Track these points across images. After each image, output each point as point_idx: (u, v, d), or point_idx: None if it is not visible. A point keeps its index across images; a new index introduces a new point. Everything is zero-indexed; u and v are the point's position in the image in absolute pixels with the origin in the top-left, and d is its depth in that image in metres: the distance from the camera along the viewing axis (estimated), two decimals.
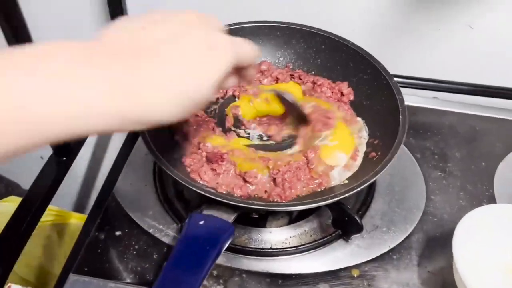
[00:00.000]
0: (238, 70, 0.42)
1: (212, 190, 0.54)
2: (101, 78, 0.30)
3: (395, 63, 0.66)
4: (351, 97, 0.68)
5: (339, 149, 0.61)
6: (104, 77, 0.30)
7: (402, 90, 0.62)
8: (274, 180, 0.56)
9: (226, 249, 0.55)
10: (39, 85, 0.28)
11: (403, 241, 0.60)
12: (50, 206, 0.88)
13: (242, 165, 0.56)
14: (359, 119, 0.66)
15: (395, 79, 0.63)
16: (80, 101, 0.29)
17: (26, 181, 1.20)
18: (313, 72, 0.72)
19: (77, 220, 0.99)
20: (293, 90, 0.68)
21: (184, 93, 0.33)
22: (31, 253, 0.94)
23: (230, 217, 0.51)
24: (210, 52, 0.35)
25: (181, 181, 0.51)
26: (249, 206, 0.50)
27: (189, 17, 0.37)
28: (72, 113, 0.29)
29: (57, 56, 0.29)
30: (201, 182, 0.56)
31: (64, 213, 0.97)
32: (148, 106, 0.32)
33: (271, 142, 0.63)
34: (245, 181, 0.56)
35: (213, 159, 0.57)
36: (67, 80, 0.29)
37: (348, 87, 0.68)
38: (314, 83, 0.70)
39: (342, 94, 0.68)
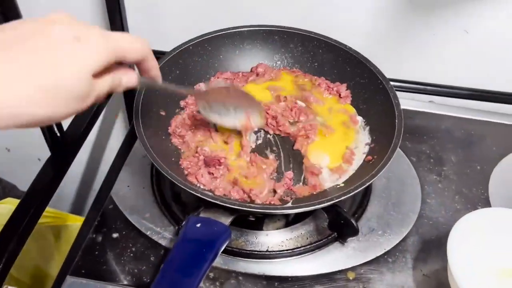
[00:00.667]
0: (137, 67, 0.42)
1: (209, 193, 0.54)
2: None
3: (392, 67, 0.67)
4: (349, 100, 0.68)
5: (324, 150, 0.62)
6: None
7: (399, 94, 0.63)
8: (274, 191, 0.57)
9: (223, 252, 0.56)
10: None
11: (398, 244, 0.61)
12: (47, 208, 0.88)
13: (244, 181, 0.57)
14: (359, 118, 0.67)
15: (392, 83, 0.64)
16: None
17: (23, 183, 1.19)
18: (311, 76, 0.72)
19: (74, 222, 0.99)
20: (284, 84, 0.70)
21: (47, 85, 0.32)
22: (28, 255, 0.94)
23: (227, 220, 0.51)
24: (77, 44, 0.34)
25: (178, 184, 0.51)
26: (246, 209, 0.50)
27: (59, 15, 0.36)
28: None
29: None
30: (198, 184, 0.56)
31: (61, 215, 0.97)
32: (14, 98, 0.31)
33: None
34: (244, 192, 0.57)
35: (211, 163, 0.57)
36: None
37: (346, 89, 0.69)
38: (312, 82, 0.70)
39: (340, 96, 0.68)
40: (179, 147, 0.62)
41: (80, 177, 1.18)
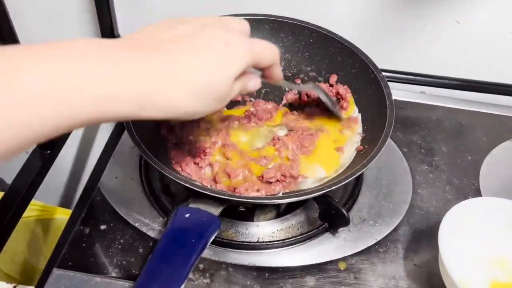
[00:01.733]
0: (263, 71, 0.45)
1: (198, 183, 0.53)
2: (125, 66, 0.32)
3: (383, 57, 0.66)
4: (349, 97, 0.66)
5: (320, 163, 0.60)
6: (126, 65, 0.32)
7: (390, 84, 0.62)
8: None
9: (213, 243, 0.55)
10: (70, 68, 0.30)
11: (389, 234, 0.60)
12: (34, 201, 0.87)
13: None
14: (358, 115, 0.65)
15: (383, 73, 0.63)
16: (103, 84, 0.31)
17: (10, 176, 1.18)
18: (302, 66, 0.71)
19: (62, 215, 0.98)
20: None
21: (201, 85, 0.36)
22: (16, 248, 0.93)
23: (216, 210, 0.50)
24: (226, 48, 0.37)
25: (167, 175, 0.50)
26: (236, 199, 0.50)
27: (209, 19, 0.40)
28: (96, 95, 0.31)
29: (82, 45, 0.32)
30: (183, 174, 0.55)
31: (49, 208, 0.95)
32: (165, 95, 0.34)
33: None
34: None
35: (196, 153, 0.57)
36: (92, 64, 0.31)
37: (343, 86, 0.67)
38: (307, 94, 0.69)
39: (340, 97, 0.67)
40: (167, 137, 0.61)
41: (69, 170, 1.16)
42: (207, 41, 0.37)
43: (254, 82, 0.44)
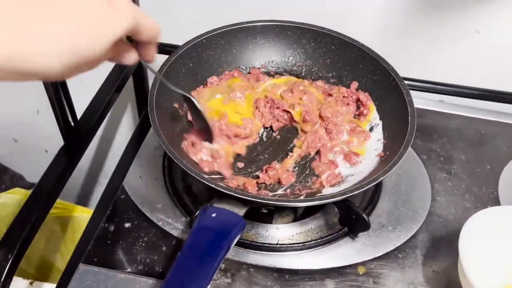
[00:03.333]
0: (139, 47, 0.42)
1: (223, 185, 0.54)
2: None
3: (403, 65, 0.67)
4: (369, 104, 0.67)
5: None
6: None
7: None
8: None
9: (234, 244, 0.56)
10: None
11: (408, 240, 0.61)
12: None
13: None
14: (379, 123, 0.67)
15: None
16: None
17: (30, 174, 1.20)
18: (324, 72, 0.72)
19: (80, 214, 0.99)
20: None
21: (80, 45, 0.33)
22: (33, 245, 0.94)
23: (240, 211, 0.51)
24: (109, 8, 0.35)
25: (195, 176, 0.51)
26: (260, 200, 0.51)
27: None
28: None
29: None
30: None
31: (68, 206, 0.97)
32: (37, 51, 0.31)
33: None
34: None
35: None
36: None
37: (364, 93, 0.68)
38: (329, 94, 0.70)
39: (361, 103, 0.68)
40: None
41: (87, 170, 1.18)
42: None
43: (129, 56, 0.41)
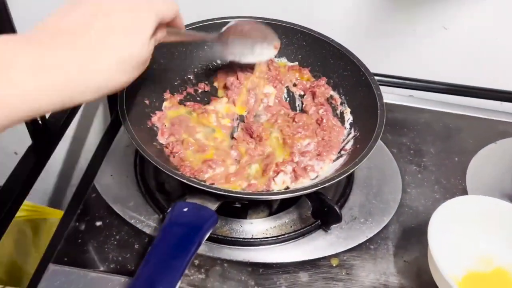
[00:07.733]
0: (168, 24, 0.47)
1: (196, 180, 0.54)
2: (48, 58, 0.34)
3: (372, 62, 0.68)
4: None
5: None
6: (48, 57, 0.35)
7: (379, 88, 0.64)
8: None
9: (208, 239, 0.56)
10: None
11: (380, 231, 0.62)
12: (25, 202, 0.86)
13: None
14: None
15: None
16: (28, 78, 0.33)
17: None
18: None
19: (52, 216, 0.97)
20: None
21: (124, 57, 0.39)
22: (4, 250, 0.92)
23: (213, 206, 0.51)
24: (133, 15, 0.40)
25: (167, 172, 0.51)
26: (233, 195, 0.51)
27: None
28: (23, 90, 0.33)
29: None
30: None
31: (40, 209, 0.95)
32: (95, 73, 0.37)
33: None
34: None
35: None
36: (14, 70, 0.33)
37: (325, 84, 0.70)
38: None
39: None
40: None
41: (59, 171, 1.16)
42: (115, 14, 0.39)
43: (161, 33, 0.46)
